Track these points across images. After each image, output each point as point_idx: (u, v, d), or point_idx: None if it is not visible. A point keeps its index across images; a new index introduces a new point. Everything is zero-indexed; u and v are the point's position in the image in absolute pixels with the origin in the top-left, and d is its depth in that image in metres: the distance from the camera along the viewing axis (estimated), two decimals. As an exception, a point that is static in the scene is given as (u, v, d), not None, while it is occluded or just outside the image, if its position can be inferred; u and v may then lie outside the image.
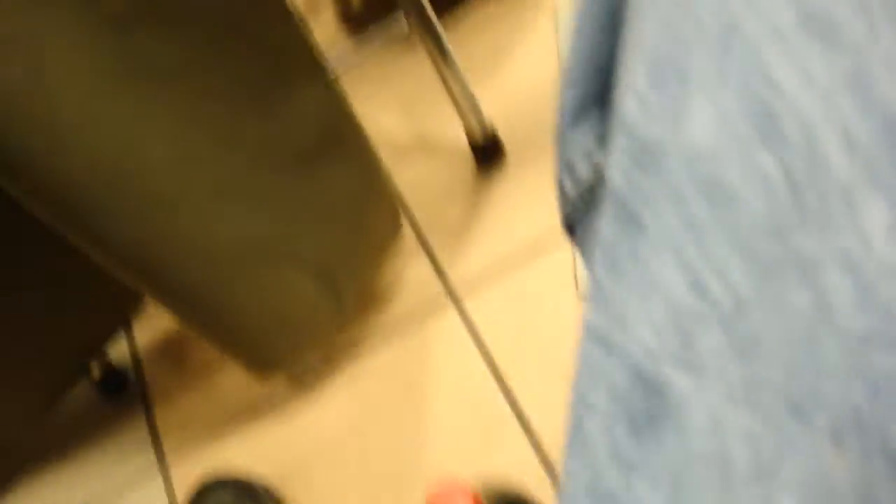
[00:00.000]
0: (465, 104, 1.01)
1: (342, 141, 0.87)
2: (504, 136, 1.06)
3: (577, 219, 0.38)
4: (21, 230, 0.83)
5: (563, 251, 0.96)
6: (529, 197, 1.02)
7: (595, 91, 0.37)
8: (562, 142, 0.38)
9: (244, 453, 0.96)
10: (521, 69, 1.14)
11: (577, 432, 0.27)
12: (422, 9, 0.94)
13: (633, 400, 0.24)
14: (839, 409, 0.20)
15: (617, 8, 0.34)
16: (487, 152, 1.06)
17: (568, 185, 0.38)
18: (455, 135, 1.08)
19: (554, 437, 0.86)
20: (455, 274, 1.00)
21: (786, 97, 0.24)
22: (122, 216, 0.73)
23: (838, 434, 0.20)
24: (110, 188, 0.70)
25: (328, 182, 0.86)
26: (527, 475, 0.85)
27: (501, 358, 0.93)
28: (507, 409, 0.89)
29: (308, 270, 0.87)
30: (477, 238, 1.01)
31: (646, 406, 0.24)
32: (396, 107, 1.16)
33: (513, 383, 0.91)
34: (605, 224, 0.27)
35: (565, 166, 0.38)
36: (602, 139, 0.36)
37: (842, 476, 0.20)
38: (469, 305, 0.97)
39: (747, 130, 0.24)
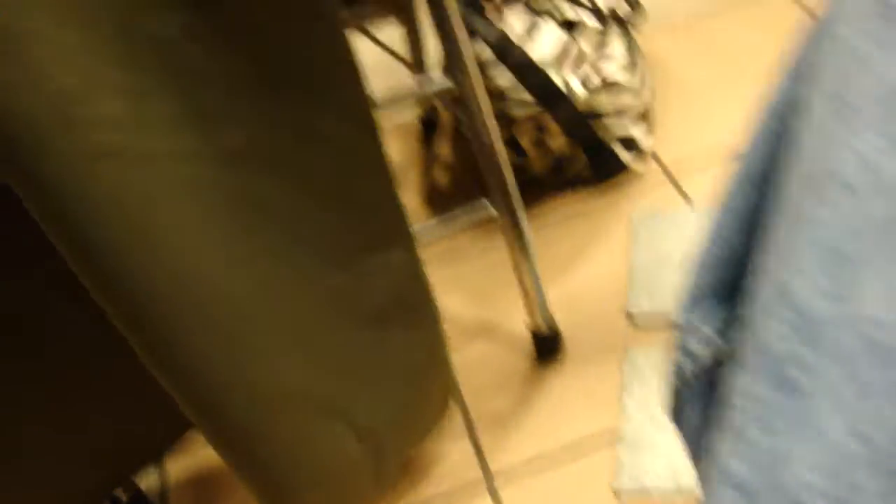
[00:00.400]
0: (533, 296, 1.04)
1: (414, 309, 0.89)
2: (565, 334, 1.09)
3: (687, 398, 0.40)
4: (86, 343, 0.86)
5: (604, 456, 0.96)
6: (580, 397, 1.03)
7: (722, 281, 0.40)
8: (681, 323, 0.41)
9: None
10: (591, 272, 1.17)
11: None
12: (510, 200, 0.98)
13: None
14: None
15: (758, 208, 0.37)
16: (547, 347, 1.08)
17: (686, 365, 0.40)
18: (518, 324, 1.10)
19: None
20: (495, 462, 1.00)
21: None
22: (197, 341, 0.74)
23: None
24: (194, 312, 0.71)
25: (392, 347, 0.88)
26: None
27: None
28: None
29: (356, 431, 0.88)
30: (522, 429, 1.02)
31: None
32: (467, 287, 1.19)
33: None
34: (758, 386, 0.29)
35: (682, 347, 0.41)
36: (724, 328, 0.39)
37: None
38: (505, 497, 0.97)
39: None
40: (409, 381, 0.91)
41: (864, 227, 0.28)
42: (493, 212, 1.00)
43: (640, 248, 1.18)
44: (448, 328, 0.96)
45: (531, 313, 1.06)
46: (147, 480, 1.08)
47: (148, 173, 0.66)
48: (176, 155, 0.68)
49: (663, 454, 0.94)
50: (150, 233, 0.67)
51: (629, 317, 1.10)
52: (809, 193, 0.31)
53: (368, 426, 0.89)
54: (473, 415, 1.05)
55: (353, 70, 0.77)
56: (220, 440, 0.85)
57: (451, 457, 1.01)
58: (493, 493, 0.97)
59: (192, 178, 0.69)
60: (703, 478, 0.39)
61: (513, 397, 1.05)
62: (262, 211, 0.74)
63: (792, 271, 0.30)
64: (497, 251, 1.17)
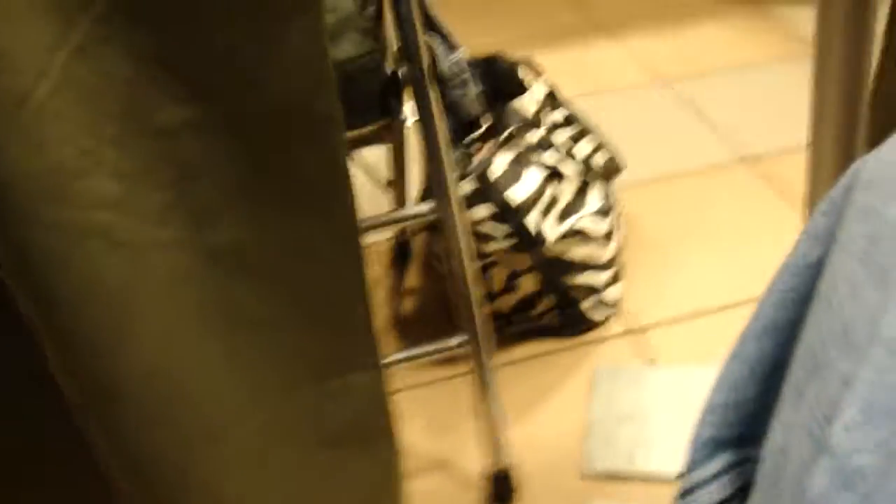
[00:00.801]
0: (491, 440, 1.02)
1: (374, 437, 0.87)
2: (520, 479, 1.06)
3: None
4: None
5: None
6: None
7: (731, 431, 0.40)
8: (689, 471, 0.40)
9: None
10: (549, 418, 1.15)
11: None
12: (478, 337, 0.98)
13: None
14: None
15: (772, 359, 0.37)
16: (501, 490, 1.05)
17: None
18: (473, 461, 1.07)
19: None
20: None
21: None
22: (158, 438, 0.71)
23: None
24: (157, 409, 0.69)
25: (347, 473, 0.85)
26: None
27: None
28: None
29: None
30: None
31: None
32: (423, 421, 1.17)
33: None
34: None
35: (687, 492, 0.40)
36: (726, 474, 0.39)
37: None
38: None
39: None
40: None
41: None
42: (461, 349, 0.99)
43: (599, 403, 1.17)
44: (403, 459, 0.94)
45: (490, 455, 1.04)
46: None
47: (131, 258, 0.65)
48: (161, 244, 0.67)
49: None
50: (124, 318, 0.66)
51: (584, 470, 1.08)
52: (848, 352, 0.31)
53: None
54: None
55: (349, 194, 0.77)
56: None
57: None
58: None
59: (174, 270, 0.68)
60: None
61: (461, 539, 1.01)
62: (239, 315, 0.73)
63: (836, 428, 0.29)
64: (461, 385, 1.16)
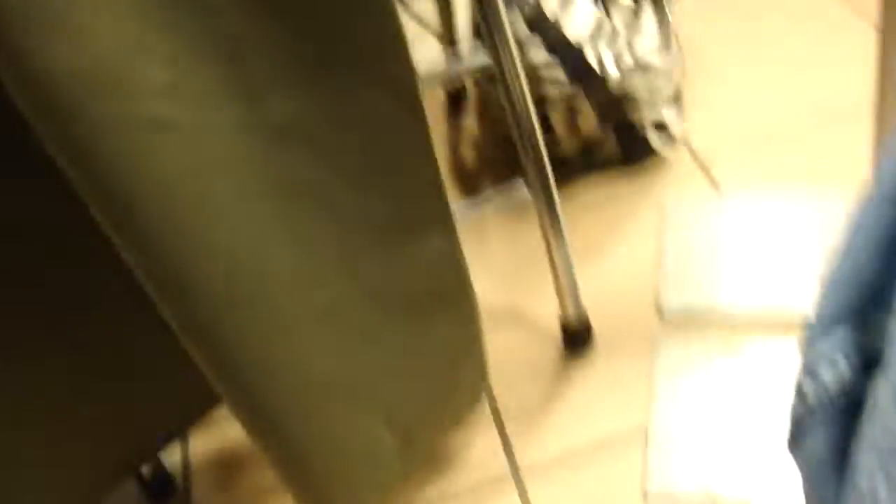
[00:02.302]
0: (565, 284, 1.01)
1: (452, 299, 0.86)
2: (594, 324, 1.06)
3: (810, 426, 0.37)
4: (115, 312, 0.83)
5: (633, 454, 0.93)
6: (609, 392, 1.00)
7: (853, 305, 0.37)
8: (809, 347, 0.38)
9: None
10: (620, 259, 1.14)
11: None
12: (546, 182, 0.95)
13: None
14: None
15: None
16: (577, 337, 1.05)
17: (809, 390, 0.38)
18: (547, 312, 1.07)
19: None
20: (523, 455, 0.97)
21: None
22: (238, 316, 0.72)
23: None
24: (237, 288, 0.69)
25: (429, 337, 0.85)
26: None
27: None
28: None
29: (388, 420, 0.85)
30: (551, 423, 0.99)
31: None
32: (495, 270, 1.16)
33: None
34: None
35: (809, 372, 0.38)
36: (848, 350, 0.37)
37: None
38: (532, 491, 0.94)
39: None
40: (444, 371, 0.88)
41: None
42: (526, 194, 0.97)
43: (671, 237, 1.15)
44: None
45: (563, 303, 1.03)
46: (171, 457, 1.06)
47: (186, 143, 0.64)
48: (215, 126, 0.65)
49: (694, 458, 0.92)
50: (184, 206, 0.64)
51: (660, 310, 1.07)
52: None
53: (400, 415, 0.87)
54: (501, 405, 1.02)
55: (402, 45, 0.74)
56: (252, 421, 0.83)
57: (478, 449, 0.99)
58: (520, 487, 0.95)
59: (239, 152, 0.67)
60: None
61: (541, 389, 1.02)
62: (305, 188, 0.72)
63: None
64: (527, 232, 1.14)
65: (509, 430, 1.00)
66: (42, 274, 0.81)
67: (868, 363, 0.37)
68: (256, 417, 0.83)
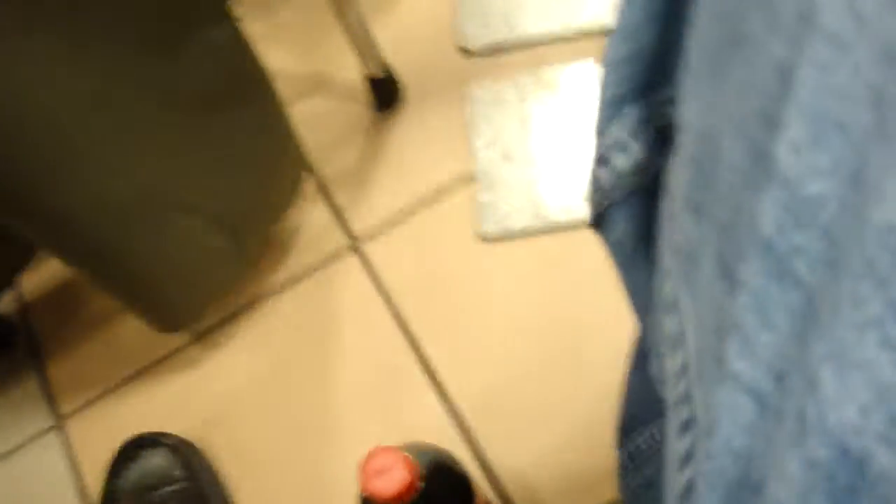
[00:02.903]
0: (361, 38, 0.98)
1: (247, 88, 0.84)
2: (402, 76, 1.05)
3: (610, 212, 0.38)
4: None
5: (463, 200, 0.96)
6: (428, 141, 1.01)
7: (637, 81, 0.37)
8: (600, 134, 0.38)
9: (147, 410, 0.94)
10: (416, 3, 1.11)
11: (743, 490, 0.26)
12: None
13: (833, 472, 0.23)
14: None
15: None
16: (385, 93, 1.04)
17: (603, 175, 0.38)
18: (350, 72, 1.05)
19: (459, 385, 0.89)
20: (355, 220, 0.99)
21: None
22: (18, 154, 0.69)
23: None
24: (35, 123, 0.66)
25: (232, 129, 0.83)
26: (435, 426, 0.88)
27: (405, 305, 0.93)
28: (412, 357, 0.91)
29: (211, 220, 0.85)
30: (378, 185, 1.00)
31: (846, 479, 0.23)
32: (292, 46, 1.12)
33: (417, 330, 0.92)
34: (753, 273, 0.26)
35: (602, 160, 0.38)
36: (638, 130, 0.37)
37: None
38: (371, 252, 0.97)
39: None
40: (258, 161, 0.88)
41: (854, 93, 0.24)
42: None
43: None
44: (278, 87, 0.91)
45: (363, 56, 1.00)
46: (4, 304, 1.03)
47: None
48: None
49: (521, 191, 0.95)
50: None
51: (464, 50, 1.06)
52: (778, 32, 0.26)
53: (223, 213, 0.87)
54: (325, 179, 1.02)
55: None
56: (74, 257, 0.81)
57: (311, 223, 1.00)
58: (359, 249, 0.97)
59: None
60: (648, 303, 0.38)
61: (361, 153, 1.02)
62: (64, 7, 0.66)
63: (782, 148, 0.26)
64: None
65: (338, 202, 1.01)
66: None
67: (664, 140, 0.37)
68: (79, 252, 0.81)
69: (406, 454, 0.63)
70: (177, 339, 0.97)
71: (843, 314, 0.23)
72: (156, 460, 0.85)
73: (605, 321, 0.84)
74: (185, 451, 0.88)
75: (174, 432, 0.91)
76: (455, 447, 0.86)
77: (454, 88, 1.04)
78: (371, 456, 0.63)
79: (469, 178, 0.98)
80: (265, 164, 0.89)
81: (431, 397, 0.89)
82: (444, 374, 0.90)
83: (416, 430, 0.88)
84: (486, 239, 0.94)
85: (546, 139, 0.98)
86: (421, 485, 0.64)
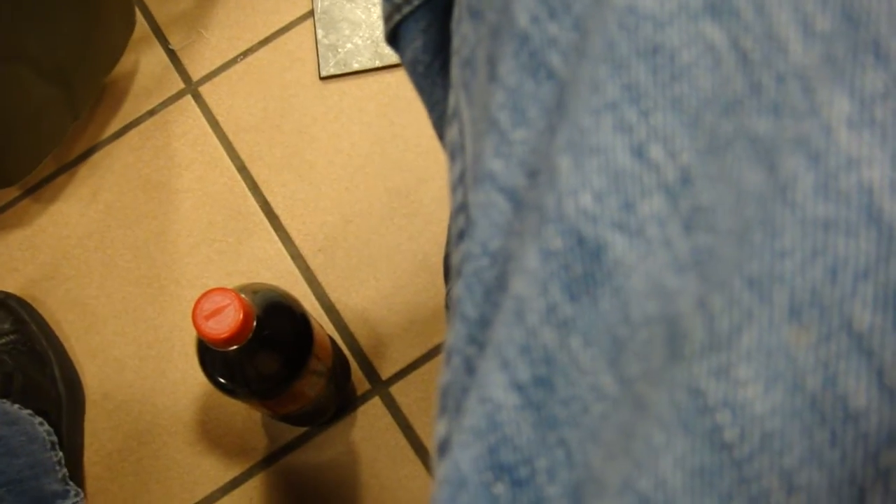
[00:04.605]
0: None
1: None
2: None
3: (402, 24, 0.36)
4: None
5: (303, 34, 0.93)
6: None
7: None
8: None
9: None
10: None
11: (499, 291, 0.26)
12: None
13: (569, 262, 0.23)
14: (798, 287, 0.20)
15: None
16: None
17: None
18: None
19: (299, 227, 0.87)
20: (192, 63, 0.95)
21: None
22: None
23: (798, 310, 0.20)
24: None
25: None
26: (276, 268, 0.86)
27: (244, 148, 0.91)
28: (251, 200, 0.89)
29: (40, 71, 0.81)
30: (213, 23, 0.96)
31: (582, 268, 0.23)
32: None
33: (257, 173, 0.90)
34: (509, 70, 0.26)
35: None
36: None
37: (804, 351, 0.20)
38: (208, 95, 0.93)
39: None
40: (83, 3, 0.82)
41: None
42: None
43: None
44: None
45: None
46: None
47: None
48: None
49: (361, 30, 0.93)
50: None
51: None
52: None
53: (51, 63, 0.82)
54: (160, 22, 0.97)
55: None
56: None
57: (147, 71, 0.96)
58: (197, 97, 0.94)
59: None
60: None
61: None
62: None
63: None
64: None
65: (174, 45, 0.96)
66: None
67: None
68: None
69: (241, 295, 0.62)
70: (8, 193, 0.93)
71: (581, 99, 0.23)
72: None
73: (444, 160, 0.83)
74: (13, 306, 0.85)
75: (7, 289, 0.87)
76: (297, 288, 0.85)
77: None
78: (203, 298, 0.61)
79: (309, 18, 0.94)
80: (91, 7, 0.84)
81: (272, 239, 0.88)
82: (284, 216, 0.88)
83: (257, 275, 0.87)
84: (325, 78, 0.92)
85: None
86: (255, 324, 0.63)
